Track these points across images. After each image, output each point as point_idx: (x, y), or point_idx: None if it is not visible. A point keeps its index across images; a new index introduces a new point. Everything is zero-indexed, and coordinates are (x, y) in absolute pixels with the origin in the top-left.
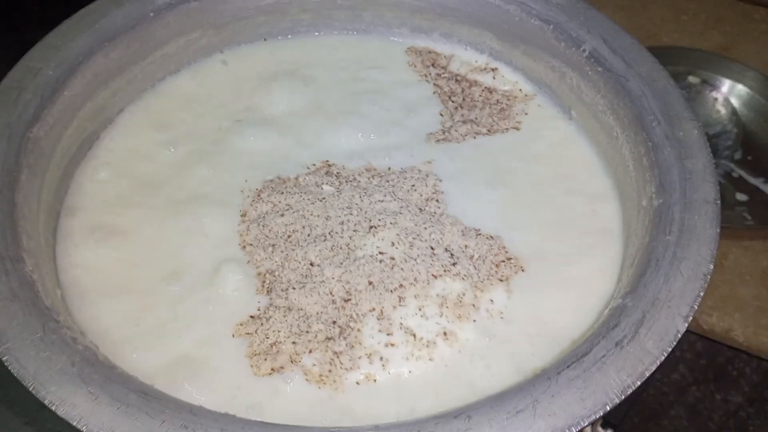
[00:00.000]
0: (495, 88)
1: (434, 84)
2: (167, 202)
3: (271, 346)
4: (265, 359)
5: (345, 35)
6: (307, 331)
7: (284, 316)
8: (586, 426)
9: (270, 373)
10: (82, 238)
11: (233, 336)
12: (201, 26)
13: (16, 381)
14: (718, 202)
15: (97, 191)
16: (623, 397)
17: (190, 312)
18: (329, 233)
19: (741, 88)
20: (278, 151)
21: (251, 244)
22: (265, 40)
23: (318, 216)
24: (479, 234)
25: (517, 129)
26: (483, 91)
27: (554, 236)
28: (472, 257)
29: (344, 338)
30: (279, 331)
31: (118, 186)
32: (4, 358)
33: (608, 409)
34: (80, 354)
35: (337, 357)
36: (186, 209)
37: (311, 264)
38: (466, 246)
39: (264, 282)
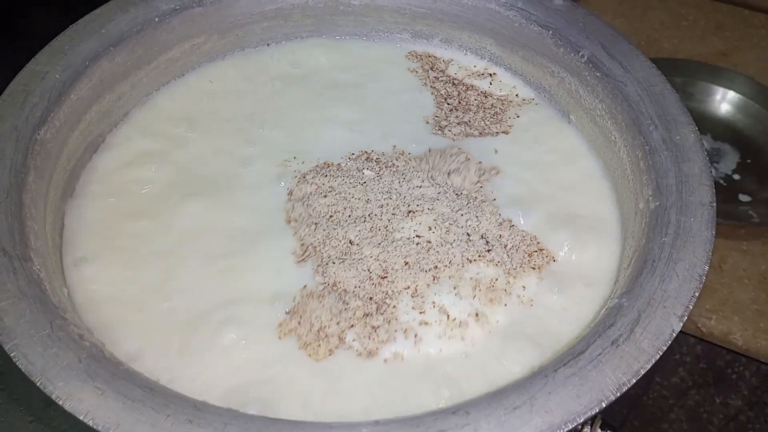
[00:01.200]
0: (491, 92)
1: (431, 87)
2: (174, 204)
3: (318, 332)
4: (319, 345)
5: (346, 40)
6: (345, 309)
7: (320, 302)
8: (585, 426)
9: (330, 354)
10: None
11: (279, 339)
12: (205, 31)
13: (21, 379)
14: (714, 205)
15: (104, 194)
16: (618, 394)
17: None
18: (369, 215)
19: (733, 94)
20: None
21: (296, 221)
22: (268, 45)
23: (359, 199)
24: (512, 225)
25: (507, 133)
26: (478, 95)
27: (559, 235)
28: (506, 246)
29: (381, 314)
30: (321, 317)
31: (124, 187)
32: (12, 355)
33: (603, 406)
34: (87, 350)
35: (375, 331)
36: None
37: (351, 243)
38: (500, 236)
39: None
